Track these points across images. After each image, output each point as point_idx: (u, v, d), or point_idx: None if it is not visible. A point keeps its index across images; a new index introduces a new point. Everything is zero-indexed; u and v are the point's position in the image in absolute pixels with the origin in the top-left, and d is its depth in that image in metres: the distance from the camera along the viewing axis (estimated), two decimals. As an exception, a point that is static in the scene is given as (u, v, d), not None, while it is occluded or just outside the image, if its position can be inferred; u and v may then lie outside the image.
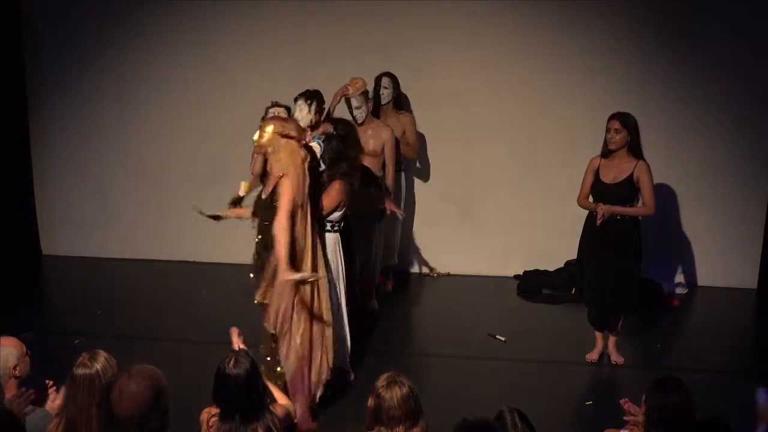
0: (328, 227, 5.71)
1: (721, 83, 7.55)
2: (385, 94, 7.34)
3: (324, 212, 5.63)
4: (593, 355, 6.39)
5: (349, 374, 6.04)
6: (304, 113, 6.06)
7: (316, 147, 5.53)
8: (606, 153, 6.08)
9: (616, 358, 6.31)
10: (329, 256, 5.67)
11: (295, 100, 6.21)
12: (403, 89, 7.54)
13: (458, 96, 7.85)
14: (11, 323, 6.29)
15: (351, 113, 6.93)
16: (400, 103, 7.54)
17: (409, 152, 7.47)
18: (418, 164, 8.00)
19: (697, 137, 7.65)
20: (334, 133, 5.70)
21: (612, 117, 6.03)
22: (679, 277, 7.91)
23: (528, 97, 7.81)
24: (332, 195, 5.65)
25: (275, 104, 6.38)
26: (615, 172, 6.04)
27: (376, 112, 7.31)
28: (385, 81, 7.34)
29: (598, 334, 6.42)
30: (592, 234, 6.16)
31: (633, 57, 7.59)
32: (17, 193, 8.41)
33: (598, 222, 5.95)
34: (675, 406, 3.64)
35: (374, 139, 6.99)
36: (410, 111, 7.62)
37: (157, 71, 8.19)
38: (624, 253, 6.09)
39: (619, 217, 6.02)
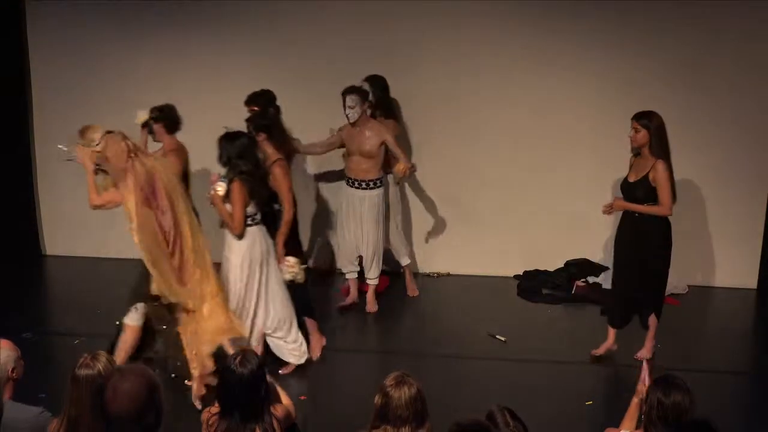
0: (249, 221, 5.93)
1: (721, 83, 7.54)
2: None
3: (238, 220, 5.87)
4: (600, 350, 6.41)
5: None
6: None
7: (221, 187, 5.84)
8: (633, 151, 6.18)
9: (642, 353, 6.29)
10: (248, 250, 5.93)
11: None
12: (402, 90, 7.49)
13: (458, 97, 7.83)
14: (11, 323, 6.32)
15: (345, 111, 6.86)
16: (391, 109, 7.37)
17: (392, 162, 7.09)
18: (417, 165, 7.97)
19: (697, 137, 7.63)
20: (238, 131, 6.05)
21: (632, 117, 6.10)
22: (679, 277, 7.90)
23: (528, 98, 7.79)
24: (235, 199, 5.85)
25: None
26: (636, 170, 6.13)
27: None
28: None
29: (611, 330, 6.44)
30: (618, 233, 6.30)
31: (633, 58, 7.57)
32: (18, 193, 8.41)
33: (603, 211, 6.19)
34: (675, 405, 3.63)
35: (370, 140, 6.88)
36: (395, 117, 7.43)
37: (159, 72, 8.19)
38: (643, 252, 6.13)
39: (637, 215, 6.09)
